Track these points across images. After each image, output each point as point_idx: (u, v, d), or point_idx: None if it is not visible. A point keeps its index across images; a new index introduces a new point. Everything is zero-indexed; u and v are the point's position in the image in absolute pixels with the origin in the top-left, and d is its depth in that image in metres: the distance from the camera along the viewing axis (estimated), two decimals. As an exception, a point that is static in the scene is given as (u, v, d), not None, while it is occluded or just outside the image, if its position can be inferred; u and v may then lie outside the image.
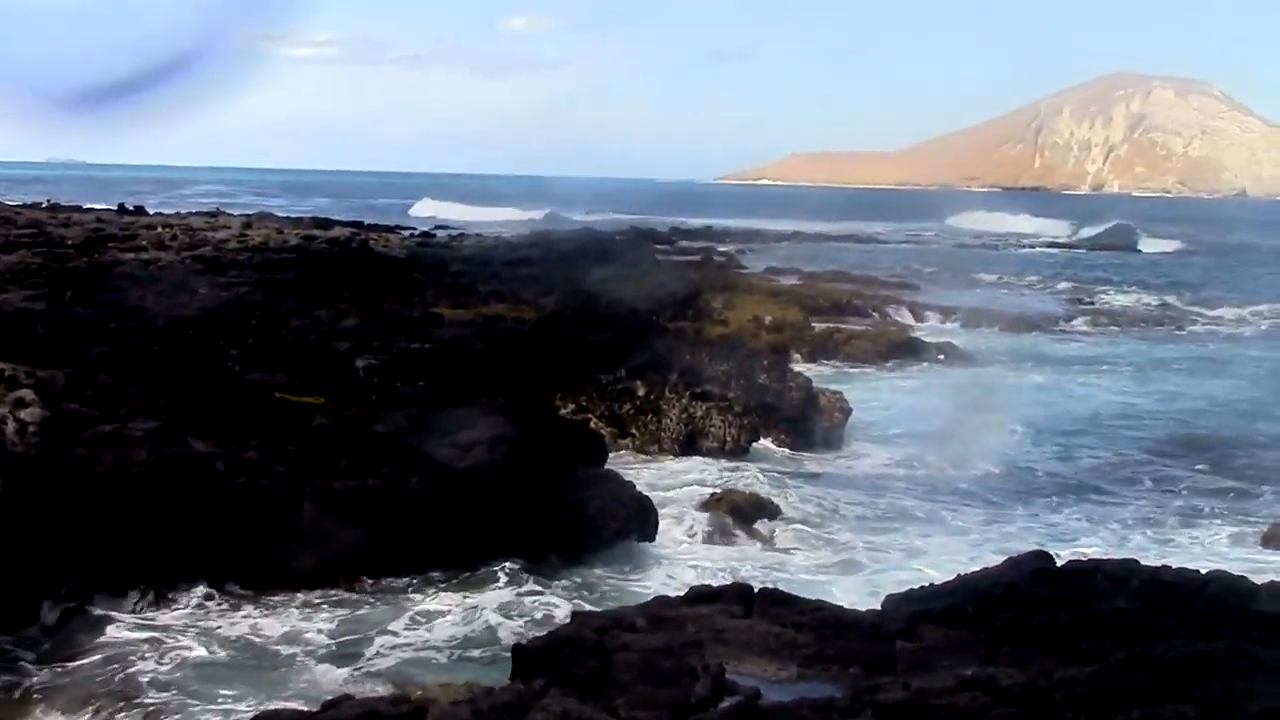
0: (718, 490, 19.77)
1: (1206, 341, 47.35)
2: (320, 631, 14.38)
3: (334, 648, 14.00)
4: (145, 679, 12.79)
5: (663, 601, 11.24)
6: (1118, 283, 69.83)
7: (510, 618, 14.88)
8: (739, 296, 48.25)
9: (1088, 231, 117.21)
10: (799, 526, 19.37)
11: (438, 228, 76.71)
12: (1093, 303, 58.68)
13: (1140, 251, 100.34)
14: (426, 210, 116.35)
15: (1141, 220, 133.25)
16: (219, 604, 14.90)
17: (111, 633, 13.94)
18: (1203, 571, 12.48)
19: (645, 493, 18.03)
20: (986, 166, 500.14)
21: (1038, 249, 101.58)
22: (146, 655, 13.37)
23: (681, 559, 17.55)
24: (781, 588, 12.71)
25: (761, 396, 24.92)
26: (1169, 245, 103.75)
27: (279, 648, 13.90)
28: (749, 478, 21.69)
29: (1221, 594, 11.85)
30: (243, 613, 14.76)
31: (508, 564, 16.26)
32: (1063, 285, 67.08)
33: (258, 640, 14.06)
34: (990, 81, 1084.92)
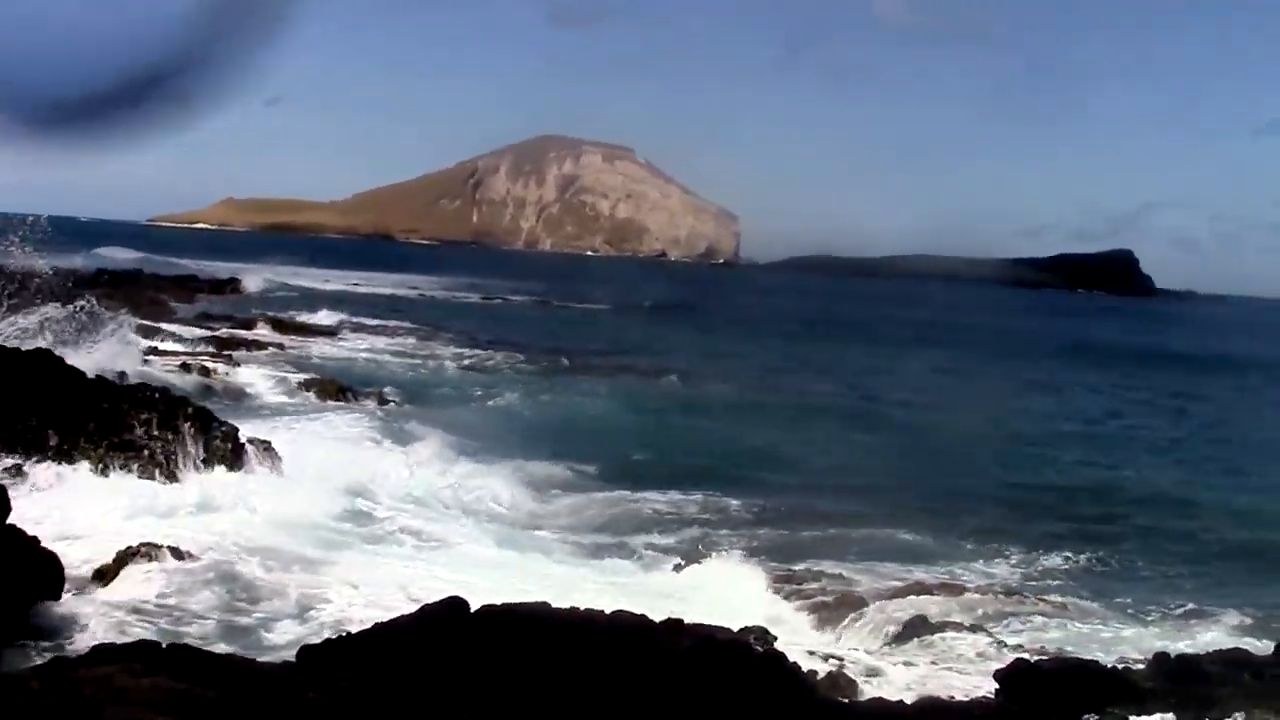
0: (131, 545, 18.83)
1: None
2: None
3: None
4: None
5: (60, 662, 10.61)
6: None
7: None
8: (170, 342, 46.65)
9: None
10: (217, 575, 18.79)
11: None
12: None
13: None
14: None
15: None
16: None
17: None
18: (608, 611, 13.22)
19: (52, 546, 16.92)
20: (426, 220, 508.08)
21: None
22: None
23: (89, 616, 16.60)
24: (197, 642, 12.34)
25: (186, 446, 24.08)
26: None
27: None
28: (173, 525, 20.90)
29: (624, 631, 12.59)
30: None
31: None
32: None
33: None
34: (429, 136, 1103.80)
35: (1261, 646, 16.89)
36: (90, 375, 25.83)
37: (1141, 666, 15.91)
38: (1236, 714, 14.57)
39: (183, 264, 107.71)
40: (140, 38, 6.76)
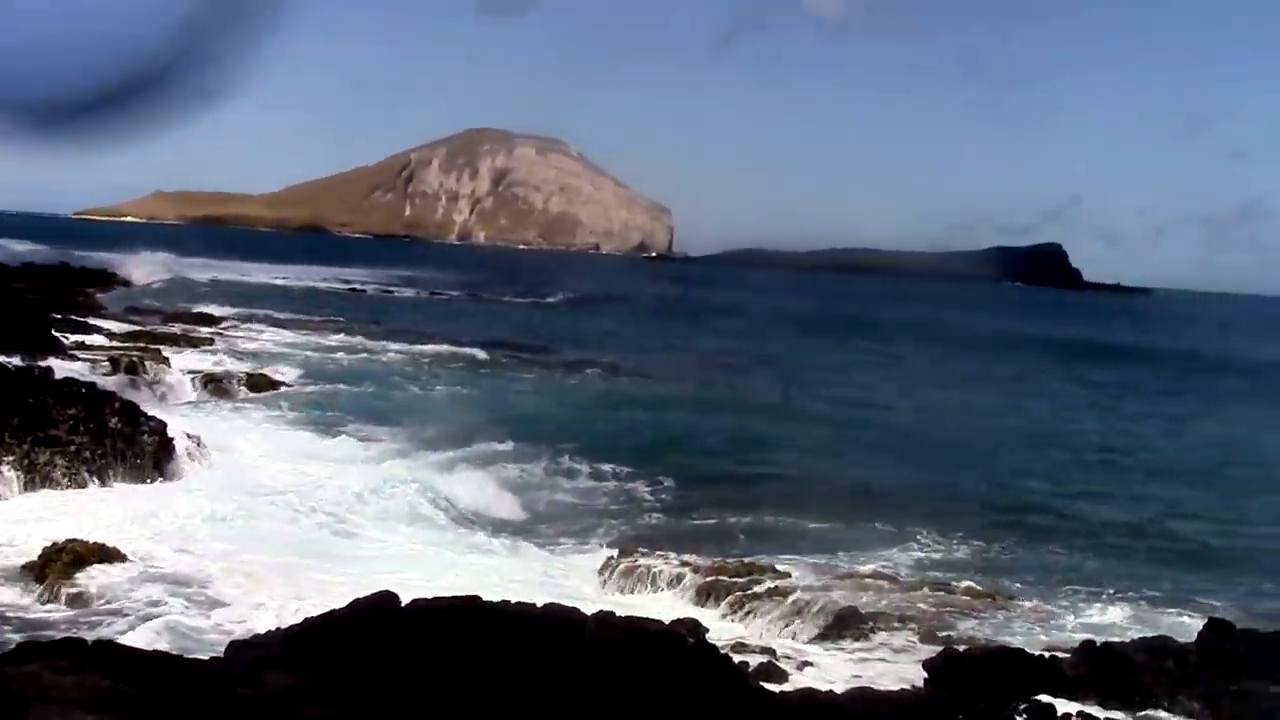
0: (57, 541, 18.59)
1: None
2: None
3: None
4: None
5: (-18, 661, 10.46)
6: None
7: None
8: (92, 336, 46.14)
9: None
10: (151, 572, 18.60)
11: None
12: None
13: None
14: None
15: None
16: None
17: None
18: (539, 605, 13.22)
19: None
20: (359, 213, 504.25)
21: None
22: None
23: (14, 613, 16.41)
24: (126, 639, 12.20)
25: (113, 441, 23.82)
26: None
27: None
28: (100, 521, 20.63)
29: (556, 624, 12.59)
30: None
31: None
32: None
33: None
34: (362, 129, 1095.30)
35: (1183, 635, 17.16)
36: (11, 368, 25.52)
37: (1068, 655, 16.12)
38: (1160, 700, 14.82)
39: (93, 257, 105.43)
40: (125, 40, 6.70)
